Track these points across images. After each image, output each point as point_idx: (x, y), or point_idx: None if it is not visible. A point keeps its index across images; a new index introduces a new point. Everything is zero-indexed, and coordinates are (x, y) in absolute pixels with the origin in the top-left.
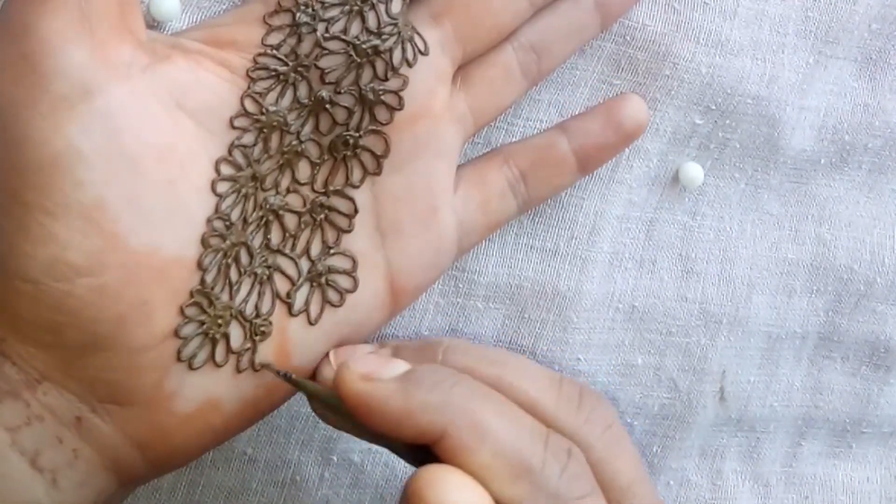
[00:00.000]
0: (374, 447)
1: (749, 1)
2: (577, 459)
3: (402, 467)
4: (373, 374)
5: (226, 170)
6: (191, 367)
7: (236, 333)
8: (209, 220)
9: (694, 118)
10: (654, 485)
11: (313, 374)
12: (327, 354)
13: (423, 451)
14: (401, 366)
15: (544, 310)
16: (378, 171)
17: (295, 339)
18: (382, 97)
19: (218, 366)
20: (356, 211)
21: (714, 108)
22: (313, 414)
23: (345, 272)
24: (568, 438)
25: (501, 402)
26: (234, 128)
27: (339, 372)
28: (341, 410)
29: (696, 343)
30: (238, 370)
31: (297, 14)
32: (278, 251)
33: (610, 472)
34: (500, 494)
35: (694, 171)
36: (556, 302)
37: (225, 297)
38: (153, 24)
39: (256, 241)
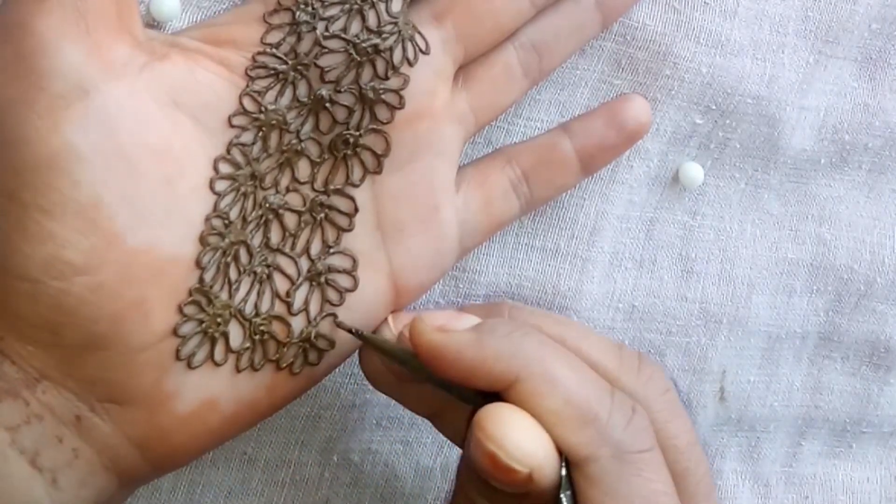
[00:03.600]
0: (374, 447)
1: (749, 1)
2: (641, 415)
3: (403, 467)
4: (447, 325)
5: (224, 168)
6: (190, 366)
7: (235, 332)
8: (207, 219)
9: (694, 118)
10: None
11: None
12: (386, 319)
13: (495, 400)
14: (472, 319)
15: (544, 309)
16: (378, 170)
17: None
18: (383, 96)
19: (217, 365)
20: (356, 210)
21: (714, 107)
22: (313, 413)
23: (345, 271)
24: (630, 395)
25: (570, 356)
26: (232, 126)
27: (414, 325)
28: (413, 364)
29: (696, 343)
30: (238, 370)
31: (297, 13)
32: (278, 250)
33: (669, 432)
34: (567, 440)
35: (694, 171)
36: (557, 302)
37: (224, 295)
38: (153, 23)
39: (256, 240)
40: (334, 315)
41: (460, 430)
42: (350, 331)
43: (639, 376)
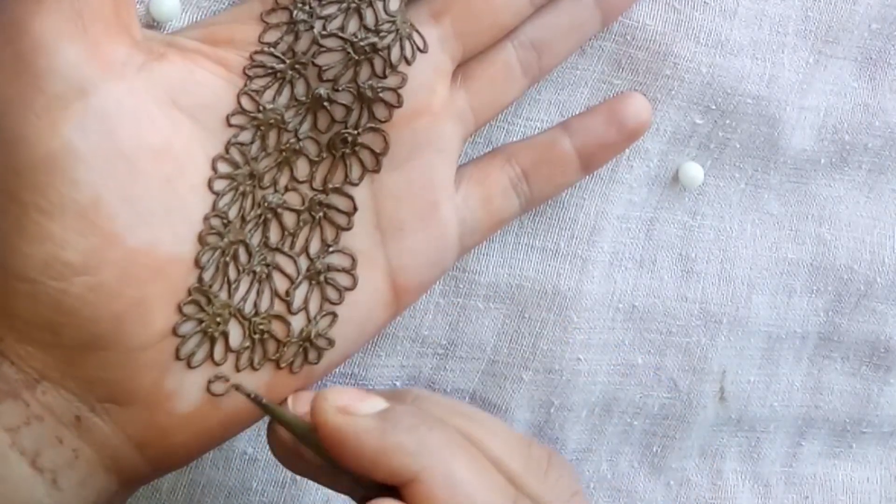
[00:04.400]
0: None
1: (749, 1)
2: None
3: None
4: (350, 407)
5: (223, 167)
6: (189, 366)
7: (235, 332)
8: (206, 218)
9: (694, 118)
10: None
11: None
12: (286, 399)
13: (390, 493)
14: (379, 403)
15: (544, 309)
16: (377, 169)
17: None
18: (381, 94)
19: (217, 364)
20: (355, 209)
21: (714, 107)
22: None
23: (344, 270)
24: (533, 502)
25: (475, 456)
26: (230, 125)
27: (316, 401)
28: (312, 442)
29: (696, 343)
30: (237, 369)
31: (295, 11)
32: (277, 249)
33: None
34: None
35: (694, 171)
36: (557, 301)
37: (223, 295)
38: (153, 23)
39: (255, 239)
40: (240, 385)
41: None
42: (249, 396)
43: (546, 479)
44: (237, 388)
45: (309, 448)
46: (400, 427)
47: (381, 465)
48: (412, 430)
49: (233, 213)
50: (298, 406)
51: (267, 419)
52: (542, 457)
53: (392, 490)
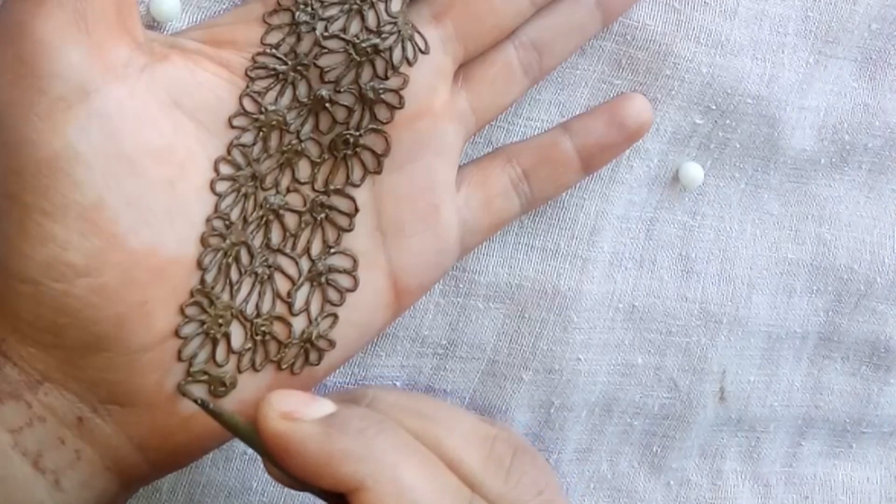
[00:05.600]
0: None
1: (749, 1)
2: None
3: None
4: (294, 413)
5: (225, 169)
6: (191, 367)
7: (237, 333)
8: (208, 220)
9: (694, 118)
10: None
11: None
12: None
13: (342, 500)
14: (326, 406)
15: (544, 309)
16: (379, 170)
17: None
18: (382, 96)
19: (219, 366)
20: (357, 210)
21: (714, 107)
22: None
23: (345, 271)
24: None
25: (426, 458)
26: (233, 127)
27: (260, 408)
28: (260, 449)
29: (696, 343)
30: (239, 370)
31: (297, 13)
32: (279, 251)
33: None
34: None
35: (694, 171)
36: (557, 301)
37: (225, 296)
38: (153, 24)
39: (257, 241)
40: (188, 391)
41: None
42: (196, 401)
43: (508, 478)
44: (182, 392)
45: (260, 455)
46: (346, 432)
47: (327, 473)
48: (359, 435)
49: (235, 215)
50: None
51: None
52: (505, 454)
53: (341, 497)
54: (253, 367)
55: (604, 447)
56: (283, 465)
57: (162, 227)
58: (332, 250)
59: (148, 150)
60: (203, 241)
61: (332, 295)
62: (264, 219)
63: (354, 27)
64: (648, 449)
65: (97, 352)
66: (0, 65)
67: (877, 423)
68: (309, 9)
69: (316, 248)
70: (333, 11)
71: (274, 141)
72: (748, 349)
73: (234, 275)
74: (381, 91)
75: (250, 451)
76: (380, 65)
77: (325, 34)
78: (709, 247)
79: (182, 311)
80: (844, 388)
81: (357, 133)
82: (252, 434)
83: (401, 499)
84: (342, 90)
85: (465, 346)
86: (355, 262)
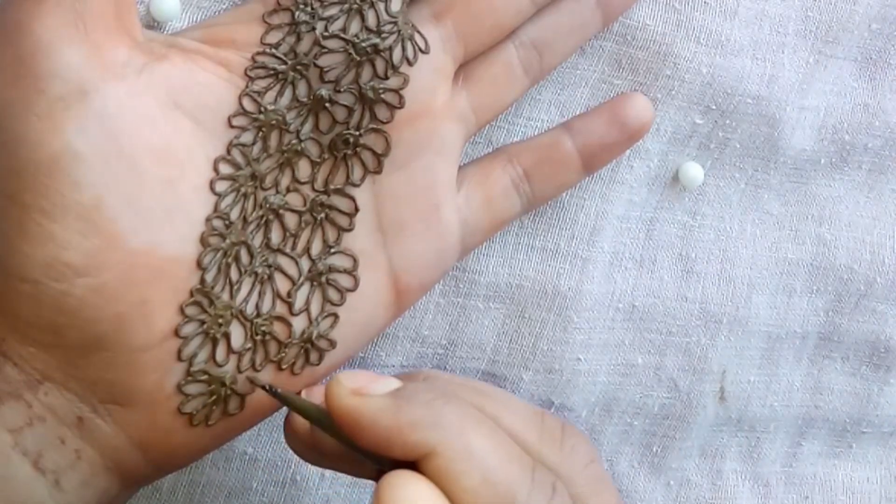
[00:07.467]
0: None
1: (749, 1)
2: (561, 494)
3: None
4: (363, 388)
5: (224, 169)
6: (191, 367)
7: (237, 333)
8: (208, 220)
9: (694, 118)
10: None
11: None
12: (300, 391)
13: (410, 469)
14: (392, 382)
15: (545, 309)
16: (379, 170)
17: None
18: (383, 95)
19: (219, 366)
20: (357, 209)
21: (714, 107)
22: None
23: (346, 271)
24: (551, 471)
25: (491, 427)
26: (232, 127)
27: (330, 387)
28: (329, 427)
29: (696, 343)
30: (239, 370)
31: (296, 13)
32: (279, 250)
33: None
34: None
35: (694, 171)
36: (557, 301)
37: (225, 296)
38: (153, 24)
39: (257, 241)
40: (255, 377)
41: None
42: (264, 388)
43: (561, 448)
44: (251, 381)
45: (326, 433)
46: (415, 402)
47: (398, 442)
48: (428, 405)
49: (234, 215)
50: (312, 399)
51: (267, 419)
52: (556, 427)
53: (411, 467)
54: (253, 367)
55: (604, 447)
56: (354, 438)
57: (162, 226)
58: (333, 250)
59: (147, 150)
60: (203, 240)
61: (333, 295)
62: (264, 218)
63: (354, 27)
64: (648, 449)
65: (97, 351)
66: None
67: (877, 423)
68: (309, 8)
69: (316, 248)
70: (333, 11)
71: (273, 141)
72: (748, 349)
73: (233, 274)
74: (381, 91)
75: (250, 451)
76: (380, 64)
77: (325, 34)
78: (709, 247)
79: (182, 310)
80: (844, 388)
81: (357, 133)
82: (320, 414)
83: (471, 463)
84: (342, 90)
85: (465, 346)
86: (355, 261)
